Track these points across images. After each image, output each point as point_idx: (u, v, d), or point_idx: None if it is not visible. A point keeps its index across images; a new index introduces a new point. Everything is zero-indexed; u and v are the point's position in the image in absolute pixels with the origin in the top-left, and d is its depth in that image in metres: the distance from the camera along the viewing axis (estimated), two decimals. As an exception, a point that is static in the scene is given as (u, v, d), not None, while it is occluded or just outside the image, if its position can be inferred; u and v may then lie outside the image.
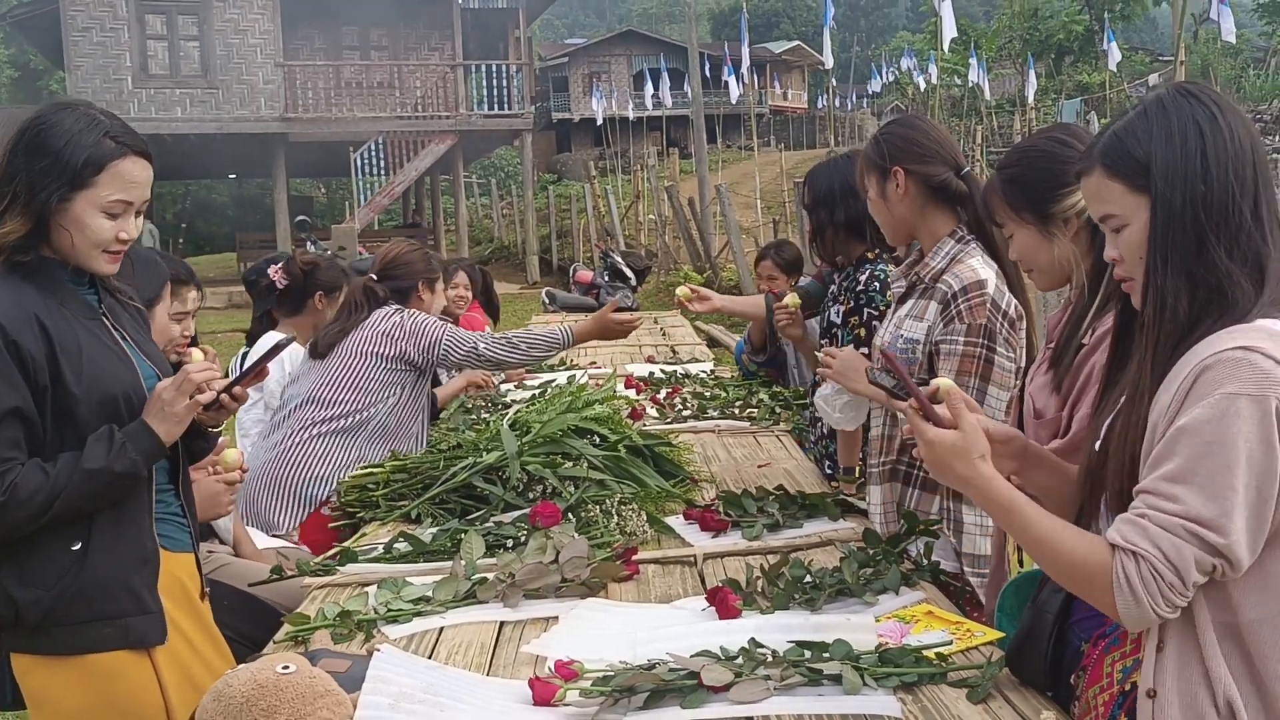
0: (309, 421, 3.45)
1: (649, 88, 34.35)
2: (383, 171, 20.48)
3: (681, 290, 3.86)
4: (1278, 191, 1.51)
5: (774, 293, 4.59)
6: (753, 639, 1.85)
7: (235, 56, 20.67)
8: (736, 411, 4.32)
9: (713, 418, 4.24)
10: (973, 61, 21.22)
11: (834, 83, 51.88)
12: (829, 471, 3.27)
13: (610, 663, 1.85)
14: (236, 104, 20.60)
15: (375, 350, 3.45)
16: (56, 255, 1.94)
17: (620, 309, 3.62)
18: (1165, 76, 20.65)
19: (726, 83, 24.17)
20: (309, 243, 18.20)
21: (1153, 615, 1.37)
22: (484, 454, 2.99)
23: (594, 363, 6.06)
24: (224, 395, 2.01)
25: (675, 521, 2.81)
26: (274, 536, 3.30)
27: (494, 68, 21.55)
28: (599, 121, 35.04)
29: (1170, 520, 1.36)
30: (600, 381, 5.02)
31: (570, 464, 2.89)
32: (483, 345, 3.51)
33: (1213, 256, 1.41)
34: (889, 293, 3.01)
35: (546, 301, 11.31)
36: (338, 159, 21.46)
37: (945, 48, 16.49)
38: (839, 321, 3.16)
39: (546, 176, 41.49)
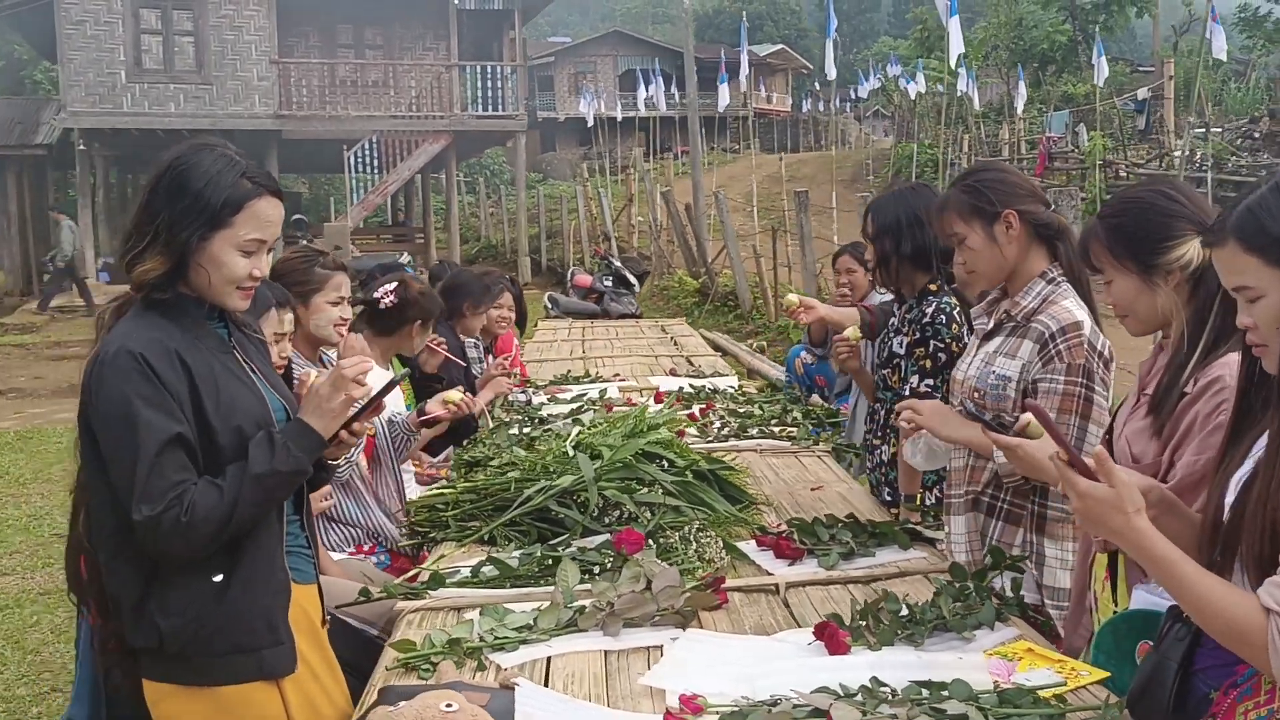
0: None
1: (641, 89, 34.35)
2: (376, 170, 20.45)
3: (790, 298, 4.01)
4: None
5: (847, 287, 4.74)
6: (874, 678, 1.92)
7: (230, 53, 20.58)
8: (776, 430, 4.39)
9: (753, 436, 4.31)
10: (961, 70, 21.40)
11: (818, 86, 52.14)
12: (888, 498, 3.35)
13: (733, 698, 1.92)
14: (230, 100, 20.51)
15: None
16: (192, 292, 1.98)
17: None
18: (1154, 90, 20.90)
19: (719, 86, 24.18)
20: (303, 240, 18.18)
21: None
22: (555, 477, 3.04)
23: (618, 374, 6.11)
24: (343, 431, 2.05)
25: (748, 547, 2.88)
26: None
27: (488, 69, 21.55)
28: (590, 123, 35.05)
29: None
30: (633, 396, 5.09)
31: (645, 489, 2.95)
32: None
33: None
34: (955, 325, 3.09)
35: (549, 306, 11.38)
36: (330, 157, 21.40)
37: (952, 63, 16.60)
38: (902, 353, 3.23)
39: (532, 176, 41.42)
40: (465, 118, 21.12)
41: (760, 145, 48.17)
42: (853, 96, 46.14)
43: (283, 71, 20.92)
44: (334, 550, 3.29)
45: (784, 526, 2.95)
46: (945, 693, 1.88)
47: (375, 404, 2.15)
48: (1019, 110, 24.78)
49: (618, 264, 11.58)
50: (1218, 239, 1.60)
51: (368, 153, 20.27)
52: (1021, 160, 21.01)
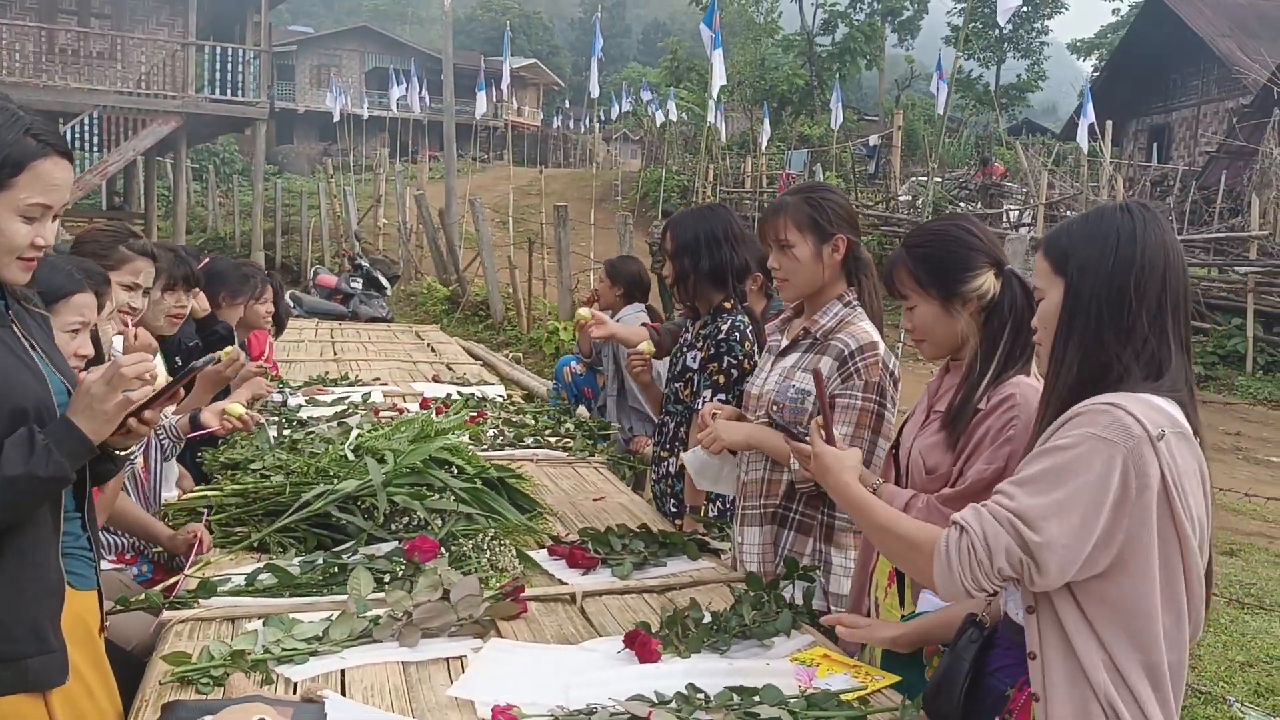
0: None
1: (393, 89, 33.51)
2: (96, 148, 18.78)
3: (582, 312, 4.03)
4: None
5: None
6: (690, 684, 1.92)
7: (-74, 3, 18.37)
8: (551, 440, 4.36)
9: (528, 446, 4.26)
10: (710, 102, 22.28)
11: (568, 104, 52.75)
12: (673, 510, 3.39)
13: (548, 708, 1.87)
14: (-76, 56, 18.30)
15: None
16: None
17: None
18: (884, 137, 22.55)
19: (478, 94, 23.93)
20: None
21: (960, 586, 1.66)
22: (337, 481, 2.88)
23: (378, 378, 5.90)
24: (132, 419, 1.84)
25: (540, 556, 2.83)
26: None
27: (228, 51, 20.31)
28: (336, 118, 33.83)
29: (1000, 512, 1.63)
30: (398, 402, 4.92)
31: (436, 496, 2.84)
32: None
33: (1106, 342, 1.66)
34: (748, 343, 3.18)
35: (292, 305, 10.82)
36: (44, 129, 19.45)
37: (714, 94, 17.18)
38: (695, 367, 3.29)
39: (267, 168, 39.48)
40: (199, 100, 19.79)
41: (513, 157, 48.31)
42: (602, 118, 47.06)
43: (-9, 31, 18.87)
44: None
45: (574, 536, 2.93)
46: (757, 698, 1.91)
47: (172, 391, 1.94)
48: (763, 145, 26.03)
49: (367, 265, 11.18)
50: (1037, 245, 1.85)
51: (87, 129, 18.56)
52: (763, 193, 22.05)
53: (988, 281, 2.24)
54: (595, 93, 19.85)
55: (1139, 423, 1.58)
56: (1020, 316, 2.22)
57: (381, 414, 4.29)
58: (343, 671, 2.07)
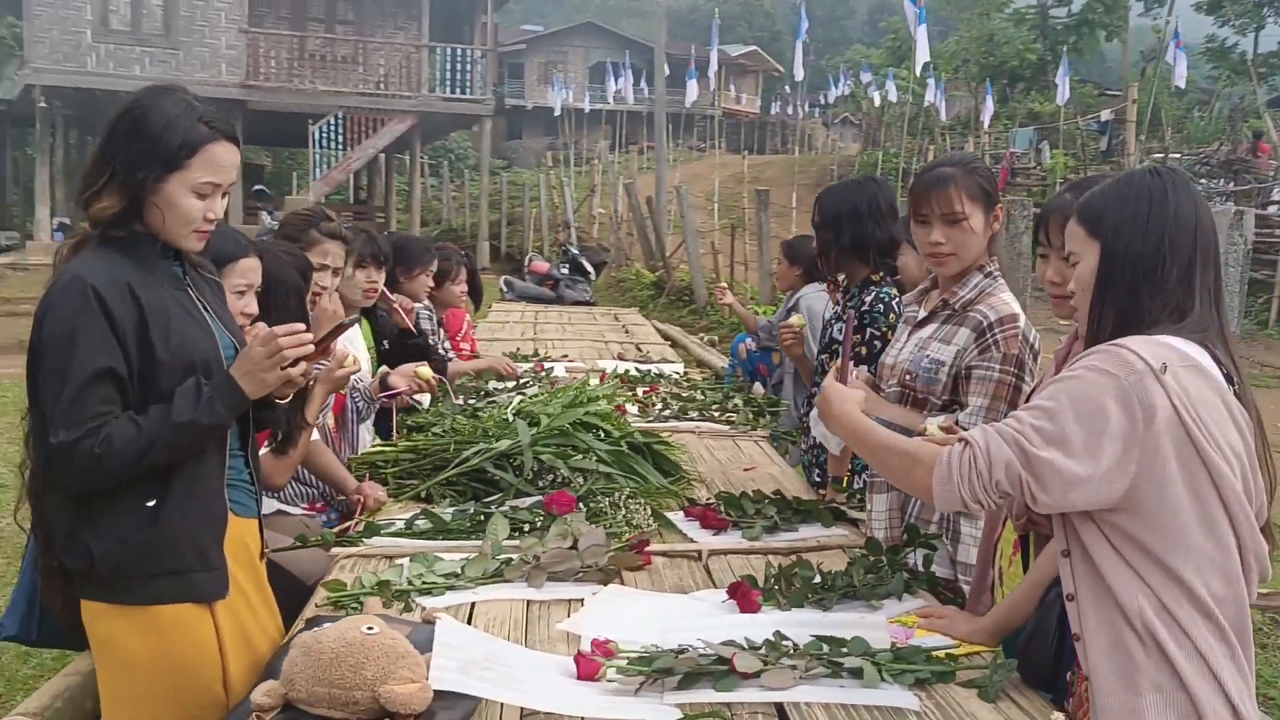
0: None
1: (610, 82, 34.32)
2: (340, 146, 20.31)
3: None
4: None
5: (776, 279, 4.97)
6: (777, 631, 2.02)
7: (199, 18, 20.34)
8: (716, 415, 4.49)
9: (693, 419, 4.41)
10: (930, 82, 21.67)
11: (788, 90, 52.36)
12: (817, 480, 3.45)
13: (644, 645, 2.01)
14: (197, 66, 20.25)
15: None
16: (148, 231, 2.03)
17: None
18: (1117, 113, 21.25)
19: (688, 83, 24.24)
20: (266, 213, 18.06)
21: (958, 494, 1.75)
22: (494, 441, 3.12)
23: (566, 355, 6.20)
24: (290, 369, 2.10)
25: (676, 517, 2.97)
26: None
27: (458, 51, 21.46)
28: (557, 112, 34.97)
29: (1007, 431, 1.72)
30: (577, 376, 5.17)
31: (580, 456, 3.04)
32: None
33: (1140, 299, 1.74)
34: (893, 315, 3.20)
35: (504, 289, 11.41)
36: (295, 130, 21.20)
37: (917, 71, 16.81)
38: (841, 339, 3.34)
39: (496, 163, 41.28)
40: (432, 99, 21.02)
41: (726, 145, 48.46)
42: (822, 102, 46.45)
43: (251, 41, 20.70)
44: (289, 505, 3.33)
45: (712, 499, 3.05)
46: (845, 649, 1.98)
47: (324, 346, 2.20)
48: (985, 124, 25.10)
49: (575, 252, 11.64)
50: (1070, 210, 1.88)
51: (333, 128, 20.11)
52: (983, 174, 21.33)
53: None
54: (800, 75, 19.69)
55: (1140, 358, 1.66)
56: None
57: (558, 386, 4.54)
58: (473, 604, 2.29)
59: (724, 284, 4.36)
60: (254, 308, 2.41)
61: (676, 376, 5.40)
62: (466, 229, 24.61)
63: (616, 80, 36.28)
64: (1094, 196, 1.83)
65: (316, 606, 2.27)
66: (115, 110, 2.04)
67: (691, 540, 2.81)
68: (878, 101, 28.88)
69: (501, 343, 7.02)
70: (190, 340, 2.02)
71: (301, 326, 2.05)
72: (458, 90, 21.11)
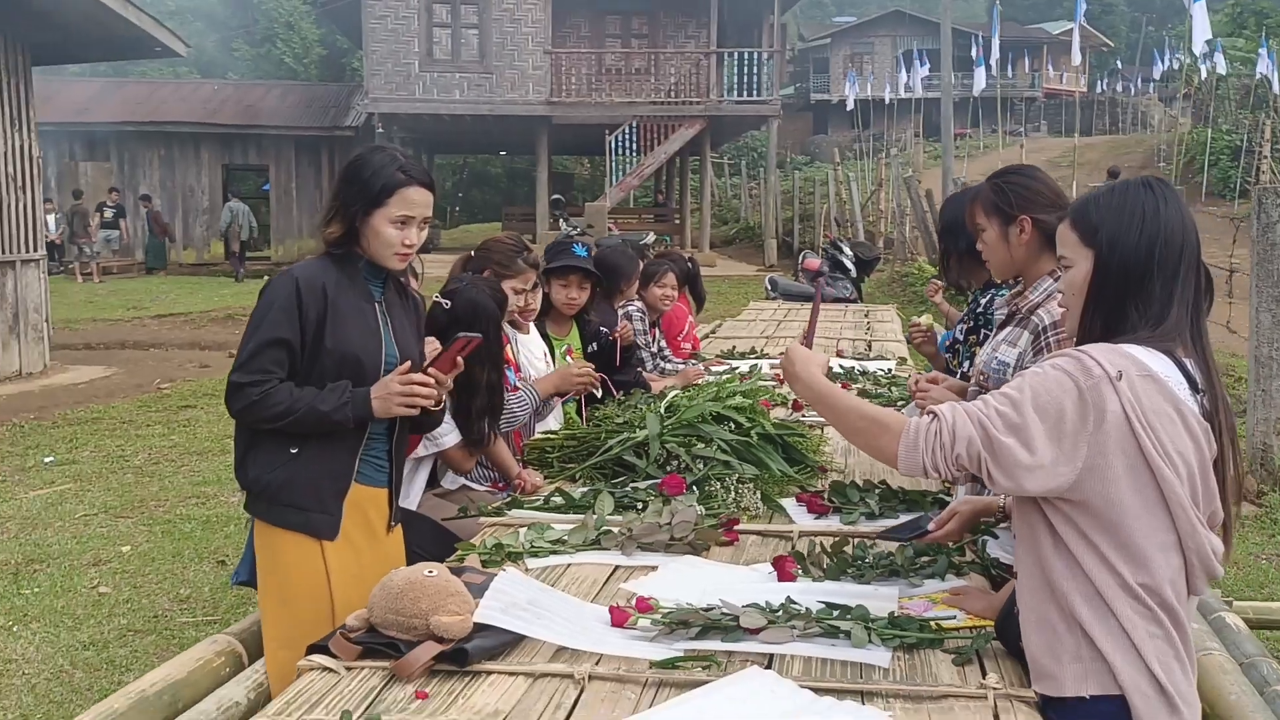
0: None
1: (917, 69, 33.70)
2: (634, 153, 21.47)
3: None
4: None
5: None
6: (789, 596, 2.31)
7: (509, 44, 22.22)
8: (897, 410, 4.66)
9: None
10: (1262, 51, 19.67)
11: (1119, 65, 48.75)
12: (941, 473, 3.61)
13: (680, 603, 2.36)
14: (508, 88, 22.15)
15: None
16: (361, 253, 2.65)
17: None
18: None
19: (975, 70, 23.46)
20: (560, 219, 19.45)
21: (920, 462, 1.89)
22: (635, 431, 3.55)
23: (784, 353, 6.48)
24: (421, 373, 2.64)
25: (788, 502, 3.27)
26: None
27: (746, 55, 22.04)
28: (849, 106, 34.78)
29: (974, 411, 1.87)
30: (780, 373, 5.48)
31: (703, 445, 3.40)
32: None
33: (1127, 310, 1.86)
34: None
35: (769, 288, 11.73)
36: (594, 140, 22.64)
37: (1195, 49, 15.47)
38: (961, 339, 3.49)
39: (799, 159, 41.58)
40: (719, 103, 21.75)
41: (1048, 127, 45.94)
42: (1154, 77, 43.05)
43: (555, 61, 22.33)
44: (475, 483, 3.92)
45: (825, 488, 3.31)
46: (848, 615, 2.24)
47: (449, 360, 2.71)
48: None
49: (836, 249, 11.75)
50: (1063, 216, 2.01)
51: (627, 137, 21.32)
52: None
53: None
54: (1077, 59, 18.56)
55: (1098, 364, 1.79)
56: None
57: (745, 381, 4.88)
58: (567, 566, 2.73)
59: (937, 280, 4.54)
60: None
61: (880, 374, 5.56)
62: (762, 226, 25.15)
63: (923, 66, 35.51)
64: (1089, 204, 1.94)
65: (447, 563, 2.79)
66: (346, 160, 2.68)
67: (791, 522, 3.10)
68: (1204, 74, 26.51)
69: (737, 339, 7.40)
70: (356, 340, 2.62)
71: (430, 380, 2.57)
72: (746, 93, 21.70)
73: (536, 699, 1.96)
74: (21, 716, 4.02)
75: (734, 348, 6.53)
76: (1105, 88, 47.67)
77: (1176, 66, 34.19)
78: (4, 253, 11.50)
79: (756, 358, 6.24)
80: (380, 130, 22.53)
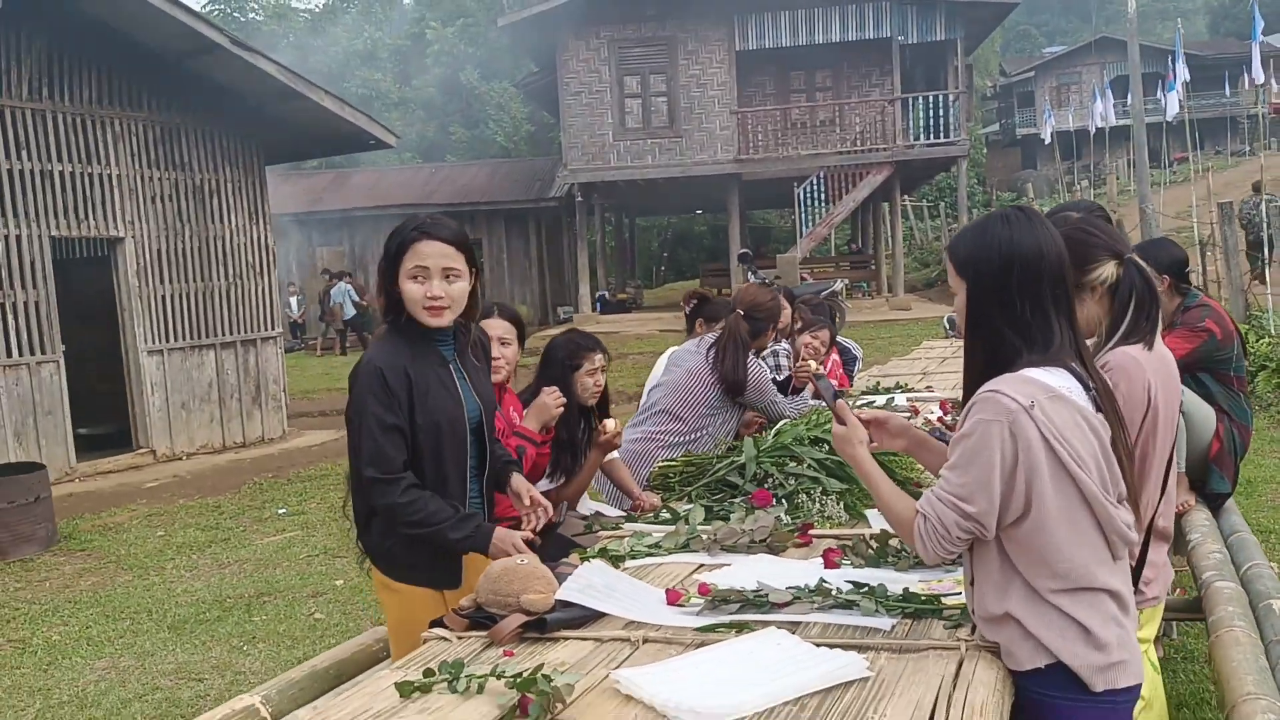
0: (661, 433, 4.64)
1: (1108, 98, 32.56)
2: (824, 203, 21.82)
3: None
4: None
5: None
6: (821, 579, 2.71)
7: (697, 107, 23.13)
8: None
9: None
10: None
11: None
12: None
13: (733, 588, 2.80)
14: (697, 149, 23.02)
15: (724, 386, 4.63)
16: (411, 317, 2.83)
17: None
18: None
19: (1166, 96, 22.48)
20: (749, 273, 19.96)
21: (936, 556, 2.15)
22: (740, 456, 4.00)
23: (930, 387, 6.71)
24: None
25: (871, 513, 3.63)
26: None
27: (931, 98, 22.08)
28: (1046, 139, 33.84)
29: (943, 494, 2.11)
30: (919, 406, 5.76)
31: (795, 464, 3.82)
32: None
33: (1004, 335, 2.09)
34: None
35: (946, 327, 11.76)
36: (782, 193, 23.14)
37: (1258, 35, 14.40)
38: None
39: (1006, 196, 40.58)
40: (906, 148, 21.84)
41: (1277, 144, 42.88)
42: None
43: (741, 120, 23.06)
44: (606, 508, 4.44)
45: (908, 499, 3.66)
46: (865, 590, 2.62)
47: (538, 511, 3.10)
48: None
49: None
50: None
51: (815, 187, 21.72)
52: None
53: (1107, 270, 2.61)
54: (1259, 78, 17.52)
55: (1013, 399, 2.02)
56: (1141, 295, 2.59)
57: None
58: (659, 565, 3.20)
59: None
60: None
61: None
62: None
63: (1129, 92, 34.13)
64: (958, 240, 2.18)
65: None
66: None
67: (869, 528, 3.47)
68: None
69: (889, 376, 7.64)
70: (439, 407, 2.84)
71: (532, 559, 2.76)
72: (932, 135, 21.70)
73: (597, 655, 2.45)
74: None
75: (878, 384, 6.81)
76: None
77: None
78: (246, 332, 13.09)
79: (900, 391, 6.50)
80: (579, 199, 23.81)
